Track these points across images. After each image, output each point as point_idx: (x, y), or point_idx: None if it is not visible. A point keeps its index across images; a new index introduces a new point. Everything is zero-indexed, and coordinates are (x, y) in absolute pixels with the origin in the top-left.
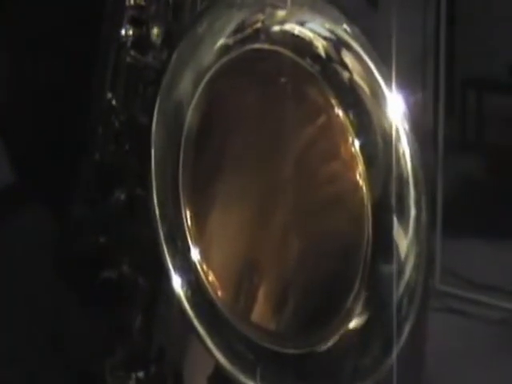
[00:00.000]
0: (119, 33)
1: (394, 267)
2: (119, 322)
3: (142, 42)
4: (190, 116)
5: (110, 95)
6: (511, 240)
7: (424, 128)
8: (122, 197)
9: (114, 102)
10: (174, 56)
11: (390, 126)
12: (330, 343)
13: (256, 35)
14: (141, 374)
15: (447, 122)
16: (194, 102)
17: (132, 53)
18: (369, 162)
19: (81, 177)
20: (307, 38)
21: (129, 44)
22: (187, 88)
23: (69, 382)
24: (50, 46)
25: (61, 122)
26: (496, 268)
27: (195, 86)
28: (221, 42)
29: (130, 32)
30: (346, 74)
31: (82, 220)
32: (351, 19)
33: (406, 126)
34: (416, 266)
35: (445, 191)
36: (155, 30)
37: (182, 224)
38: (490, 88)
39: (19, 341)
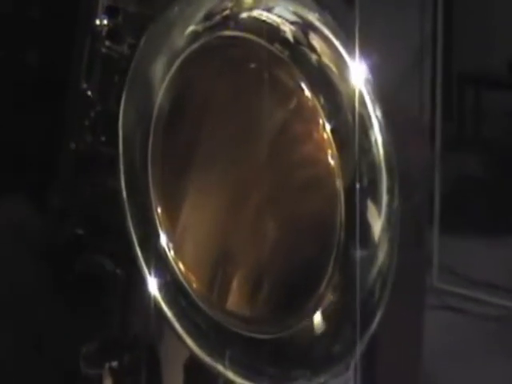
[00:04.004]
0: (94, 22)
1: (357, 241)
2: (96, 310)
3: (117, 31)
4: (160, 101)
5: (85, 86)
6: (509, 237)
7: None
8: (103, 187)
9: (89, 93)
10: (144, 39)
11: (361, 107)
12: (302, 328)
13: (225, 22)
14: (114, 364)
15: (445, 118)
16: (164, 86)
17: (107, 43)
18: (341, 144)
19: (58, 167)
20: (275, 24)
21: (104, 34)
22: (158, 72)
23: (44, 368)
24: (26, 35)
25: (37, 112)
26: (493, 265)
27: (166, 70)
28: (191, 28)
29: (105, 22)
30: (314, 57)
31: (60, 209)
32: (320, 4)
33: (378, 114)
34: (389, 252)
35: (442, 188)
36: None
37: (153, 216)
38: (488, 84)
39: None
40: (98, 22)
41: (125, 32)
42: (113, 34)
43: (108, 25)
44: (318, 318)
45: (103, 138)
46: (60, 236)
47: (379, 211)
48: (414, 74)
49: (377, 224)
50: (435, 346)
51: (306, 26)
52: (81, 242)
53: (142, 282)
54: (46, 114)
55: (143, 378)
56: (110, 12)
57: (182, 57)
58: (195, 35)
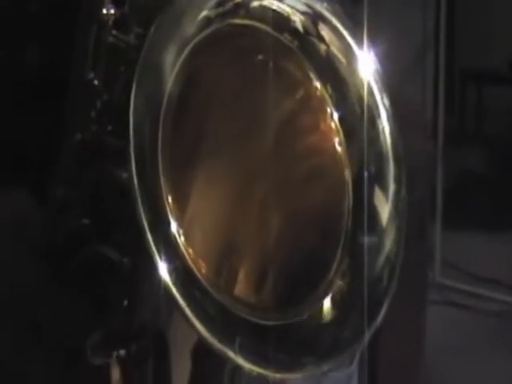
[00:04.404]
0: (100, 12)
1: (365, 227)
2: (102, 300)
3: (124, 21)
4: (169, 89)
5: (91, 75)
6: (511, 233)
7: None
8: (108, 177)
9: (95, 82)
10: (154, 27)
11: (369, 96)
12: (311, 315)
13: (236, 10)
14: (122, 352)
15: (447, 114)
16: (174, 75)
17: (114, 32)
18: (348, 133)
19: (62, 157)
20: (285, 13)
21: (110, 23)
22: (168, 60)
23: (51, 360)
24: (27, 29)
25: (41, 102)
26: (496, 261)
27: (176, 58)
28: (203, 13)
29: (112, 11)
30: (323, 47)
31: (64, 201)
32: None
33: (386, 103)
34: (396, 239)
35: (444, 183)
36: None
37: (163, 203)
38: (489, 81)
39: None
40: (104, 11)
41: (131, 21)
42: (119, 23)
43: (115, 14)
44: (326, 304)
45: (109, 128)
46: (63, 227)
47: (386, 199)
48: (417, 70)
49: (384, 211)
50: (437, 340)
51: (316, 17)
52: (85, 232)
53: (149, 270)
54: (50, 107)
55: (151, 365)
56: (117, 1)
57: (191, 44)
58: (207, 21)
